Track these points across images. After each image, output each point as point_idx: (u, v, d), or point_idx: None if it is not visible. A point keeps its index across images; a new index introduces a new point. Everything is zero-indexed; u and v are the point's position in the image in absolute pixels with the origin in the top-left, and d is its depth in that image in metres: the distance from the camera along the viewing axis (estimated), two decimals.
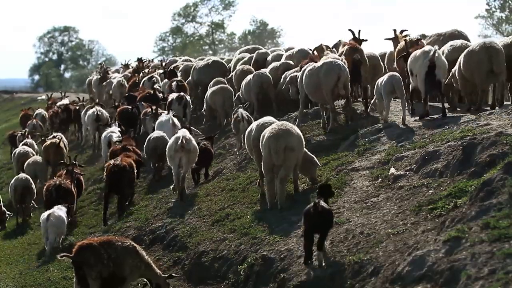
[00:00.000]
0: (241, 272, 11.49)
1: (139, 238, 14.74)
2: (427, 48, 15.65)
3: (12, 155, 26.57)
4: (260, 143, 13.37)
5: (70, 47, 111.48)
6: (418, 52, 15.68)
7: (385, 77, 16.10)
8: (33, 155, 24.65)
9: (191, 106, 23.64)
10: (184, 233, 14.10)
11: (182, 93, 23.33)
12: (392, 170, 12.37)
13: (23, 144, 26.27)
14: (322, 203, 10.11)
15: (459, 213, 9.26)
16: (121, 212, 17.48)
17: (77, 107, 30.98)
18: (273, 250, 11.27)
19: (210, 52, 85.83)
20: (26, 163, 23.35)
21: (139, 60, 34.83)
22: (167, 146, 16.77)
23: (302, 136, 13.35)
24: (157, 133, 19.46)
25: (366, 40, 18.91)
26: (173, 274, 11.90)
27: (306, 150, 13.91)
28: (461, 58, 15.84)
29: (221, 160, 18.88)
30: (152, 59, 37.46)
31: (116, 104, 27.16)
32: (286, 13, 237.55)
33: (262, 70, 22.31)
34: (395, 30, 19.62)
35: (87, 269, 10.39)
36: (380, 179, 12.38)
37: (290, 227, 11.87)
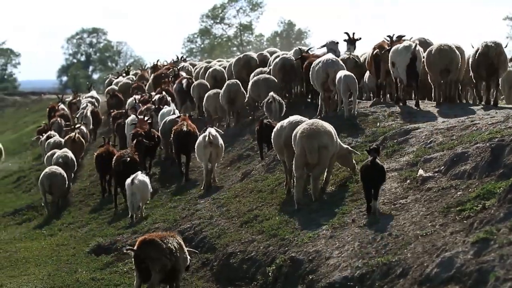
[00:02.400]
0: (270, 273, 11.55)
1: None
2: (407, 43, 17.64)
3: (46, 145, 27.87)
4: (293, 141, 13.47)
5: (98, 48, 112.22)
6: (400, 46, 17.65)
7: (342, 76, 17.40)
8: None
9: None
10: (213, 235, 14.20)
11: (163, 93, 26.74)
12: (421, 171, 12.35)
13: (47, 137, 28.36)
14: (377, 160, 11.54)
15: (487, 215, 9.24)
16: (186, 172, 19.75)
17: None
18: (302, 252, 11.31)
19: (238, 53, 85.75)
20: (55, 156, 24.48)
21: (155, 65, 36.86)
22: (196, 144, 17.82)
23: (333, 132, 13.39)
24: (172, 117, 22.10)
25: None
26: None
27: (341, 143, 14.03)
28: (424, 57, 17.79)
29: (250, 162, 18.91)
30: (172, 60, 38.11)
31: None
32: (310, 14, 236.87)
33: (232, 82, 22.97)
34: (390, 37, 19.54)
35: (150, 262, 10.80)
36: (408, 181, 12.36)
37: (319, 228, 11.88)
